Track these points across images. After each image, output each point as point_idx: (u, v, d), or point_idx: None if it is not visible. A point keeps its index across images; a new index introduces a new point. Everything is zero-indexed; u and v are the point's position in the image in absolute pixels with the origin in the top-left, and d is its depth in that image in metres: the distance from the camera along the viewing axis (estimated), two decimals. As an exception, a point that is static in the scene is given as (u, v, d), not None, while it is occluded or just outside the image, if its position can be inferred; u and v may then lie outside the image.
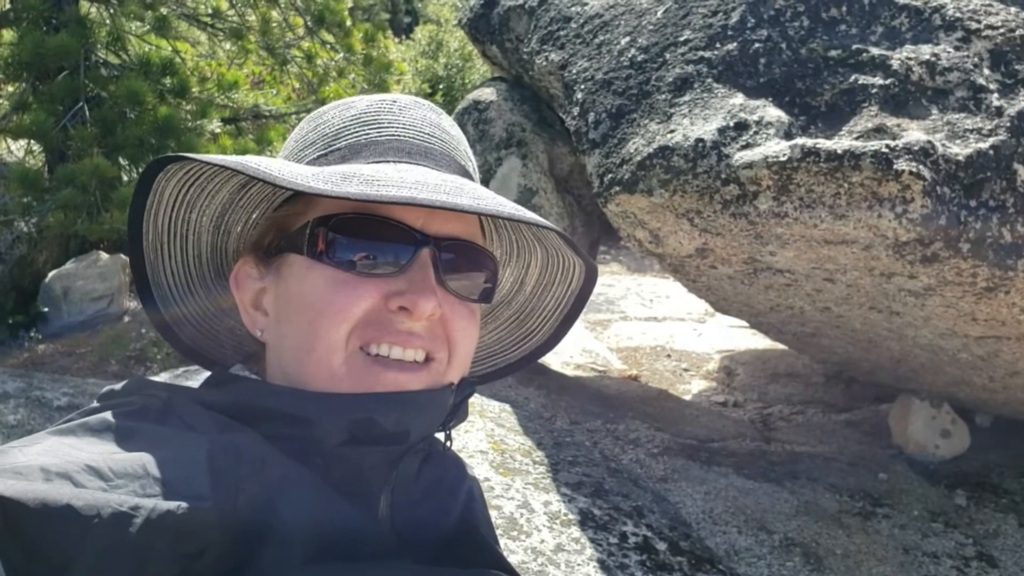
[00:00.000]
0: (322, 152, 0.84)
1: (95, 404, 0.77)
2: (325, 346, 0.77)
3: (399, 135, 0.84)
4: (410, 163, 0.82)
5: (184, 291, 0.91)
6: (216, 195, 0.84)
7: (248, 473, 0.69)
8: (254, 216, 0.88)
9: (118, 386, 0.80)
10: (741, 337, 6.82)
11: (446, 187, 0.74)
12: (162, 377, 3.71)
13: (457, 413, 0.88)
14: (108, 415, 0.72)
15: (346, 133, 0.84)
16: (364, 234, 0.79)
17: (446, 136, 0.88)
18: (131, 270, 0.88)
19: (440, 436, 0.91)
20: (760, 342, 6.30)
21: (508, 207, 0.76)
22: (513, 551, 2.65)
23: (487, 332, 1.04)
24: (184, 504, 0.63)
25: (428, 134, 0.86)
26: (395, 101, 0.88)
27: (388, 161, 0.81)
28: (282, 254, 0.83)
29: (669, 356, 6.75)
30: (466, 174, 0.88)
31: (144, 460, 0.66)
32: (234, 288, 0.87)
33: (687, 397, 5.62)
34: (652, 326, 7.68)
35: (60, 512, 0.58)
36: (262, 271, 0.86)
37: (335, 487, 0.75)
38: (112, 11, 5.55)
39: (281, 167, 0.74)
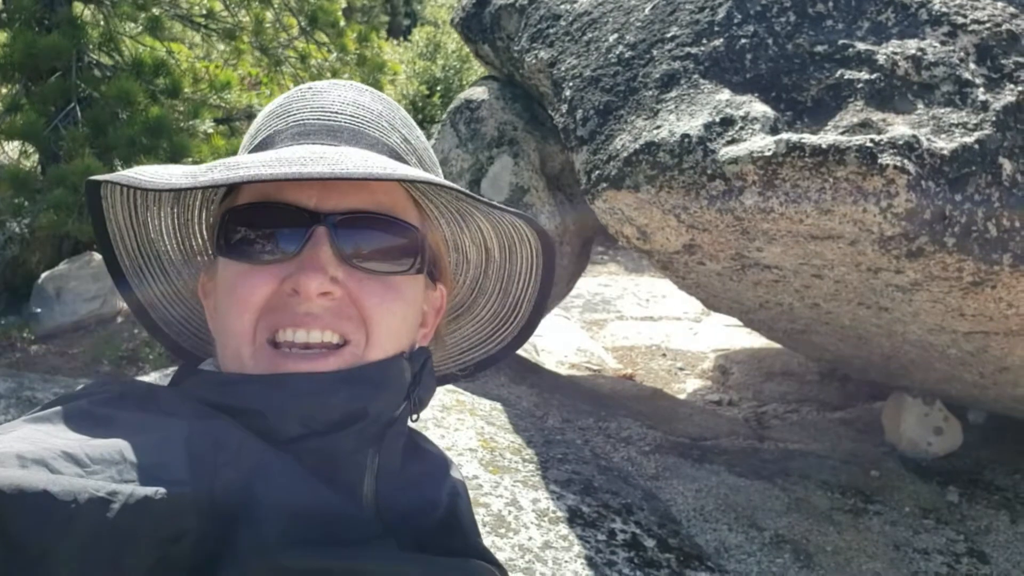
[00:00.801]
0: (248, 151, 0.86)
1: (80, 392, 0.77)
2: (235, 339, 0.79)
3: (303, 120, 0.84)
4: (306, 143, 0.81)
5: (181, 309, 0.94)
6: (160, 213, 0.87)
7: (226, 458, 0.69)
8: (207, 225, 0.91)
9: (92, 384, 0.80)
10: (737, 336, 6.81)
11: (310, 158, 0.73)
12: (151, 377, 3.71)
13: (420, 383, 0.86)
14: (84, 402, 0.72)
15: (263, 129, 0.86)
16: (259, 222, 0.79)
17: (362, 112, 0.87)
18: (123, 300, 0.91)
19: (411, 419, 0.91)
20: (755, 341, 6.29)
21: (373, 167, 0.74)
22: (500, 548, 2.64)
23: (481, 309, 1.03)
24: (162, 489, 0.63)
25: (335, 112, 0.85)
26: (309, 88, 0.88)
27: (284, 146, 0.81)
28: (216, 257, 0.85)
29: (664, 355, 6.74)
30: (383, 146, 0.86)
31: (121, 446, 0.66)
32: (202, 297, 0.89)
33: (682, 396, 5.62)
34: (648, 325, 7.68)
35: (37, 498, 0.58)
36: (212, 276, 0.87)
37: (314, 473, 0.74)
38: (105, 12, 5.55)
39: (155, 172, 0.75)
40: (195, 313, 0.95)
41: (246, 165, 0.72)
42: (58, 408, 0.71)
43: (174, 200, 0.86)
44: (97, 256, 5.44)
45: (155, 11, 5.39)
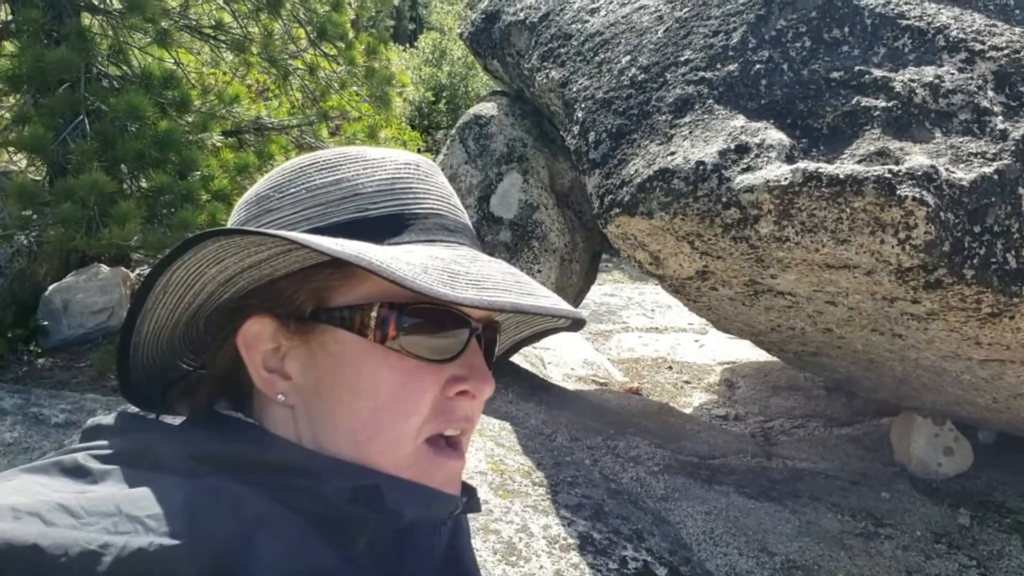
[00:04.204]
0: (356, 216, 0.82)
1: (75, 444, 0.76)
2: (392, 436, 0.79)
3: (436, 209, 0.85)
4: (456, 243, 0.84)
5: (154, 336, 0.87)
6: (252, 255, 0.81)
7: (224, 510, 0.69)
8: (279, 274, 0.83)
9: (107, 420, 0.80)
10: (742, 349, 6.80)
11: (522, 284, 0.78)
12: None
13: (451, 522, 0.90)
14: (80, 456, 0.72)
15: (383, 199, 0.83)
16: (428, 321, 0.80)
17: (460, 203, 0.91)
18: (125, 319, 0.84)
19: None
20: (761, 354, 6.28)
21: (563, 304, 0.80)
22: (512, 577, 2.63)
23: None
24: (156, 541, 0.63)
25: (455, 206, 0.88)
26: (418, 166, 0.88)
27: (440, 241, 0.83)
28: (318, 323, 0.81)
29: (671, 368, 6.73)
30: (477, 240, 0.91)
31: (117, 498, 0.66)
32: (243, 346, 0.83)
33: (688, 411, 5.60)
34: (654, 337, 7.67)
35: (26, 552, 0.58)
36: (282, 332, 0.82)
37: (313, 527, 0.74)
38: (114, 24, 5.54)
39: (381, 256, 0.72)
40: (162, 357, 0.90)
41: (493, 285, 0.75)
42: (55, 460, 0.71)
43: (286, 249, 0.80)
44: (105, 269, 5.42)
45: (164, 23, 5.37)
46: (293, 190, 0.84)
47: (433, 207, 0.85)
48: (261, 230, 0.75)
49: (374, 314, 0.78)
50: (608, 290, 9.76)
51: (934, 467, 4.21)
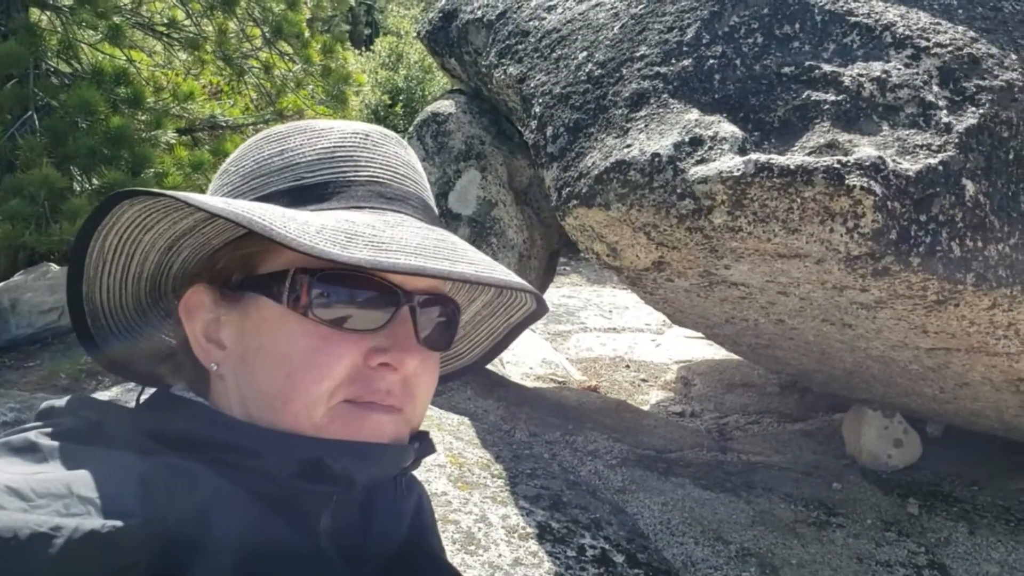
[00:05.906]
0: (292, 184, 0.81)
1: (31, 424, 0.75)
2: (305, 401, 0.77)
3: (377, 177, 0.83)
4: (391, 210, 0.81)
5: (117, 308, 0.87)
6: (180, 222, 0.81)
7: (179, 488, 0.68)
8: (215, 242, 0.84)
9: (60, 402, 0.78)
10: (698, 348, 6.88)
11: (443, 250, 0.75)
12: (113, 391, 3.64)
13: (408, 471, 0.89)
14: (32, 435, 0.70)
15: (320, 167, 0.82)
16: (346, 289, 0.78)
17: (415, 174, 0.89)
18: (67, 285, 0.83)
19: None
20: (716, 352, 6.36)
21: (498, 272, 0.78)
22: (470, 566, 2.63)
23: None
24: (109, 522, 0.62)
25: (403, 175, 0.86)
26: (367, 135, 0.87)
27: (369, 207, 0.80)
28: (246, 292, 0.81)
29: (628, 367, 6.79)
30: (434, 214, 0.89)
31: (69, 479, 0.64)
32: (184, 316, 0.84)
33: (645, 407, 5.65)
34: (611, 337, 7.72)
35: None
36: (217, 302, 0.83)
37: (270, 505, 0.74)
38: (63, 19, 5.46)
39: (272, 216, 0.70)
40: (139, 324, 0.90)
41: (399, 247, 0.72)
42: (4, 440, 0.69)
43: (211, 215, 0.79)
44: (54, 267, 5.33)
45: (116, 19, 5.30)
46: (245, 163, 0.85)
47: (374, 175, 0.83)
48: (153, 190, 0.74)
49: (288, 281, 0.78)
50: (566, 292, 9.82)
51: (884, 459, 4.30)
